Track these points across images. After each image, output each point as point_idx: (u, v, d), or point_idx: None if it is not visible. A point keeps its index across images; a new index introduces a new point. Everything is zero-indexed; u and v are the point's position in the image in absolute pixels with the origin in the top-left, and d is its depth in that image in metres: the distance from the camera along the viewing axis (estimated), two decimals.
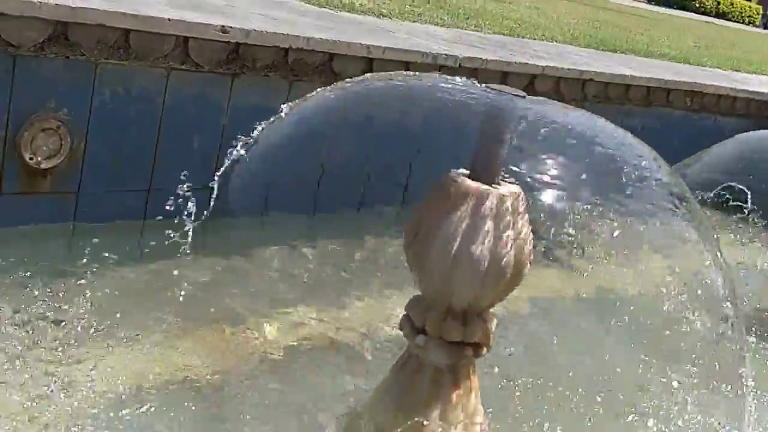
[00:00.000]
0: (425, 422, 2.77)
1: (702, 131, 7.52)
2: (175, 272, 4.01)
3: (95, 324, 3.57)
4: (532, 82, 5.86)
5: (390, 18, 7.01)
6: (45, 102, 4.10)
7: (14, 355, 3.32)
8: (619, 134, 2.86)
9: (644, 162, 2.79)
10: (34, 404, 3.08)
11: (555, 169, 2.68)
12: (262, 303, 4.11)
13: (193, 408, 3.24)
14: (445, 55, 5.27)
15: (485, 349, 2.89)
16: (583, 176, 2.74)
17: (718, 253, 2.91)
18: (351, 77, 4.95)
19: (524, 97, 2.78)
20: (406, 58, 5.12)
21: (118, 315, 3.63)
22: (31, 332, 3.48)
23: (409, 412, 2.81)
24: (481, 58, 5.47)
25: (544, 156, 2.71)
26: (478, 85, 2.82)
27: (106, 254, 4.03)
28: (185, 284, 3.85)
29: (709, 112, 7.46)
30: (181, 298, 3.59)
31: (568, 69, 6.00)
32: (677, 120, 7.22)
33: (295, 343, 3.89)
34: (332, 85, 2.87)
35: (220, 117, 4.66)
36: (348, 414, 3.10)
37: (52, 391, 3.16)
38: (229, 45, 4.45)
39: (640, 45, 11.01)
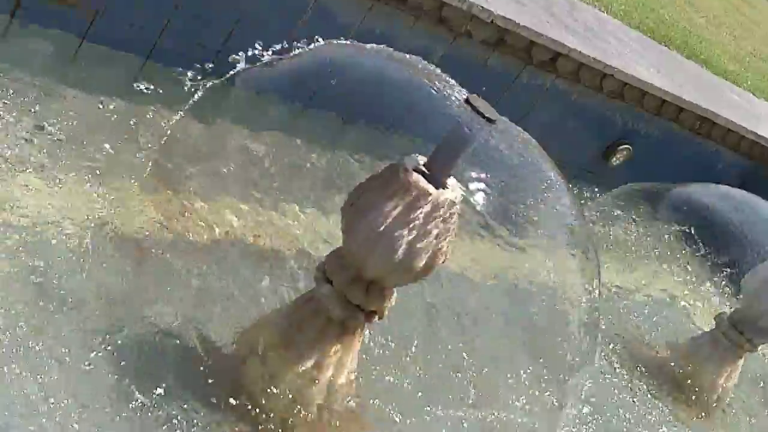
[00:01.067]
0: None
1: (701, 155, 7.61)
2: (149, 115, 4.27)
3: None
4: (555, 59, 5.96)
5: None
6: None
7: None
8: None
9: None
10: None
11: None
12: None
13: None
14: (481, 6, 5.37)
15: (377, 317, 3.25)
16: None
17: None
18: None
19: (494, 122, 3.03)
20: None
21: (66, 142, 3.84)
22: None
23: (290, 345, 3.19)
24: (514, 21, 5.57)
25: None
26: (462, 97, 3.07)
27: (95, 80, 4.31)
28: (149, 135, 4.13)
29: (713, 141, 7.54)
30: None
31: (593, 59, 6.09)
32: (681, 138, 7.28)
33: None
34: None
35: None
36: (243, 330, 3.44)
37: None
38: None
39: (693, 39, 10.83)
